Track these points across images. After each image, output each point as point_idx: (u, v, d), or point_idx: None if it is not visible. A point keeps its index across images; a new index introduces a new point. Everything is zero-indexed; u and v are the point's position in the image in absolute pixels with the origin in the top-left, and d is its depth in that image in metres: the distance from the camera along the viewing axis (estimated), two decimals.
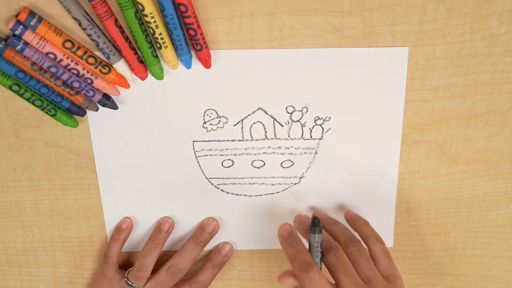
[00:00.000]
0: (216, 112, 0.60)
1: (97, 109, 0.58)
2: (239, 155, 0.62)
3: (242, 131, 0.61)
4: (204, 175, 0.63)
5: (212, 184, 0.64)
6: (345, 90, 0.59)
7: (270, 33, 0.56)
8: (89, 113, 0.60)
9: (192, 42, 0.55)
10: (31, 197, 0.64)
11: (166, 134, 0.61)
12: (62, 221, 0.66)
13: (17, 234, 0.66)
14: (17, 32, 0.52)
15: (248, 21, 0.55)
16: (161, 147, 0.62)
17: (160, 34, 0.54)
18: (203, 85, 0.59)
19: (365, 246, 0.58)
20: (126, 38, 0.55)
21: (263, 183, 0.64)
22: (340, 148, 0.62)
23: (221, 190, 0.64)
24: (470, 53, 0.57)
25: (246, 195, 0.65)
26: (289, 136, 0.61)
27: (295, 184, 0.64)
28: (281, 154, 0.62)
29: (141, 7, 0.52)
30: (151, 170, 0.63)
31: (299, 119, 0.60)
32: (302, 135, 0.61)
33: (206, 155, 0.62)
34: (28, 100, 0.56)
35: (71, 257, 0.68)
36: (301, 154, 0.62)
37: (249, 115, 0.60)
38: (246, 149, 0.62)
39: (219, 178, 0.63)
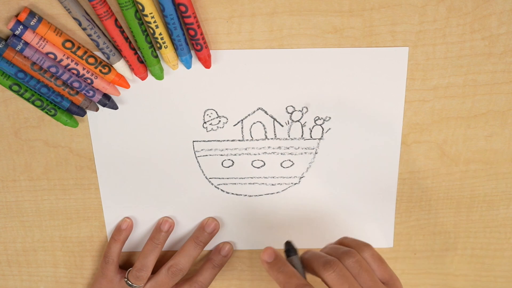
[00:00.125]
0: (216, 112, 0.60)
1: (97, 109, 0.58)
2: (239, 155, 0.62)
3: (242, 131, 0.61)
4: (204, 175, 0.63)
5: (212, 184, 0.64)
6: (345, 90, 0.59)
7: (270, 33, 0.56)
8: (89, 113, 0.60)
9: (192, 42, 0.55)
10: (31, 197, 0.64)
11: (166, 134, 0.61)
12: (62, 221, 0.66)
13: (17, 234, 0.66)
14: (17, 32, 0.52)
15: (248, 21, 0.55)
16: (161, 147, 0.62)
17: (160, 34, 0.54)
18: (203, 85, 0.59)
19: None
20: (126, 38, 0.55)
21: (263, 183, 0.64)
22: (340, 148, 0.62)
23: (221, 190, 0.64)
24: (470, 53, 0.57)
25: (246, 195, 0.65)
26: (289, 136, 0.61)
27: (295, 184, 0.64)
28: (281, 154, 0.62)
29: (141, 7, 0.52)
30: (151, 170, 0.63)
31: (299, 119, 0.60)
32: (302, 135, 0.61)
33: (206, 155, 0.62)
34: (28, 100, 0.56)
35: (71, 257, 0.68)
36: (301, 154, 0.62)
37: (249, 115, 0.60)
38: (246, 149, 0.62)
39: (219, 178, 0.63)
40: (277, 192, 0.64)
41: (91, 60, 0.55)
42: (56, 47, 0.54)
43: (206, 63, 0.57)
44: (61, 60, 0.54)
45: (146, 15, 0.52)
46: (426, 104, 0.60)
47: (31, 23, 0.52)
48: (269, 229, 0.66)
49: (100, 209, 0.65)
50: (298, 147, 0.62)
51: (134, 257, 0.68)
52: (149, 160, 0.62)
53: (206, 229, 0.65)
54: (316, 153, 0.62)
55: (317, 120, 0.61)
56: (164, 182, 0.63)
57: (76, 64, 0.55)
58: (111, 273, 0.65)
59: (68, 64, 0.55)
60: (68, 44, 0.54)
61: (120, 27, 0.54)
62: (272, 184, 0.64)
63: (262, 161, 0.62)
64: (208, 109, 0.60)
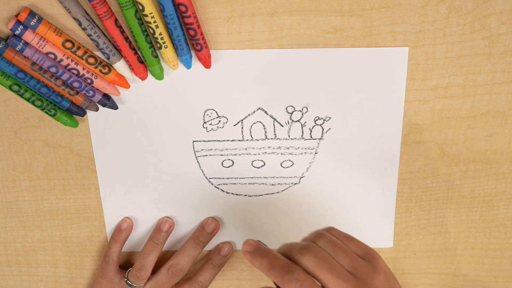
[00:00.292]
0: (216, 112, 0.60)
1: (97, 109, 0.58)
2: (239, 155, 0.62)
3: (242, 131, 0.61)
4: (204, 175, 0.63)
5: (212, 184, 0.64)
6: (345, 90, 0.59)
7: (270, 33, 0.56)
8: (89, 113, 0.60)
9: (192, 42, 0.55)
10: (31, 197, 0.64)
11: (166, 134, 0.61)
12: (62, 221, 0.66)
13: (17, 234, 0.66)
14: (17, 32, 0.53)
15: (248, 21, 0.55)
16: (161, 147, 0.62)
17: (160, 34, 0.54)
18: (203, 85, 0.59)
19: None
20: (126, 38, 0.55)
21: (263, 183, 0.64)
22: (340, 148, 0.62)
23: (221, 190, 0.64)
24: (470, 53, 0.57)
25: (246, 195, 0.65)
26: (289, 136, 0.61)
27: (295, 184, 0.64)
28: (281, 154, 0.62)
29: (141, 7, 0.52)
30: (151, 170, 0.63)
31: (299, 119, 0.60)
32: (302, 135, 0.61)
33: (206, 155, 0.62)
34: (28, 100, 0.56)
35: (71, 257, 0.68)
36: (301, 154, 0.62)
37: (249, 115, 0.60)
38: (246, 149, 0.62)
39: (219, 178, 0.63)
40: (277, 192, 0.64)
41: (91, 60, 0.55)
42: (56, 47, 0.54)
43: (206, 63, 0.57)
44: (61, 60, 0.54)
45: (146, 15, 0.52)
46: (426, 104, 0.60)
47: (31, 23, 0.52)
48: (269, 229, 0.66)
49: (100, 209, 0.65)
50: (298, 147, 0.62)
51: (134, 257, 0.68)
52: (149, 160, 0.62)
53: (206, 229, 0.65)
54: (316, 153, 0.62)
55: (317, 120, 0.61)
56: (164, 182, 0.63)
57: (76, 64, 0.55)
58: (111, 273, 0.65)
59: (68, 64, 0.55)
60: (68, 44, 0.54)
61: (120, 27, 0.54)
62: (272, 184, 0.64)
63: (262, 161, 0.62)
64: (208, 109, 0.60)
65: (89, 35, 0.54)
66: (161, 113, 0.60)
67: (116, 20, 0.53)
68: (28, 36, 0.53)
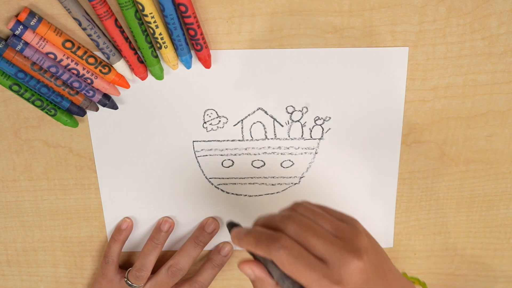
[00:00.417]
0: (216, 112, 0.60)
1: (97, 109, 0.58)
2: (239, 155, 0.62)
3: (242, 131, 0.61)
4: (204, 175, 0.63)
5: (212, 184, 0.64)
6: (345, 90, 0.59)
7: (270, 33, 0.56)
8: (89, 113, 0.60)
9: (192, 42, 0.55)
10: (31, 197, 0.64)
11: (166, 134, 0.61)
12: (62, 221, 0.66)
13: (17, 234, 0.66)
14: (17, 32, 0.53)
15: (248, 21, 0.55)
16: (161, 147, 0.62)
17: (160, 34, 0.54)
18: (203, 85, 0.59)
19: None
20: (126, 38, 0.55)
21: (263, 183, 0.64)
22: (340, 148, 0.62)
23: (221, 190, 0.64)
24: (470, 53, 0.57)
25: (246, 195, 0.65)
26: (289, 136, 0.61)
27: (295, 184, 0.64)
28: (281, 154, 0.62)
29: (141, 7, 0.52)
30: (151, 170, 0.63)
31: (299, 119, 0.60)
32: (302, 135, 0.61)
33: (206, 155, 0.62)
34: (28, 100, 0.56)
35: (71, 257, 0.68)
36: (301, 154, 0.62)
37: (249, 115, 0.60)
38: (246, 149, 0.62)
39: (219, 178, 0.63)
40: (277, 192, 0.64)
41: (91, 60, 0.55)
42: (56, 47, 0.54)
43: (206, 63, 0.57)
44: (61, 60, 0.54)
45: (146, 15, 0.52)
46: (426, 104, 0.60)
47: (31, 23, 0.52)
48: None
49: (100, 209, 0.65)
50: (298, 147, 0.62)
51: (134, 257, 0.68)
52: (149, 160, 0.62)
53: (206, 229, 0.65)
54: (316, 153, 0.62)
55: (317, 120, 0.61)
56: (164, 182, 0.63)
57: (76, 64, 0.55)
58: (111, 273, 0.65)
59: (68, 64, 0.55)
60: (68, 44, 0.54)
61: (120, 27, 0.54)
62: (272, 184, 0.64)
63: (262, 161, 0.62)
64: (208, 109, 0.60)
65: (89, 35, 0.54)
66: (161, 113, 0.60)
67: (116, 20, 0.53)
68: (28, 36, 0.53)
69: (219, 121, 0.60)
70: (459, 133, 0.62)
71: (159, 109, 0.60)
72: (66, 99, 0.57)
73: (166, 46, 0.54)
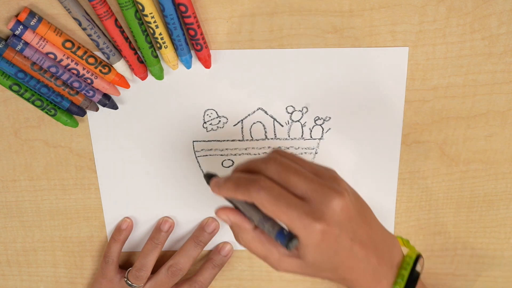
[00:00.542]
0: (216, 112, 0.60)
1: (97, 109, 0.58)
2: (239, 155, 0.62)
3: (242, 131, 0.61)
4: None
5: None
6: (345, 90, 0.59)
7: (270, 33, 0.56)
8: (89, 113, 0.60)
9: (192, 42, 0.55)
10: (31, 197, 0.64)
11: (166, 134, 0.61)
12: (62, 221, 0.66)
13: (17, 234, 0.66)
14: (17, 32, 0.52)
15: (248, 21, 0.55)
16: (161, 147, 0.62)
17: (160, 34, 0.54)
18: (203, 85, 0.59)
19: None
20: (126, 38, 0.55)
21: None
22: (340, 148, 0.62)
23: None
24: (470, 53, 0.57)
25: None
26: (289, 136, 0.61)
27: None
28: None
29: (141, 7, 0.52)
30: (151, 170, 0.63)
31: (299, 119, 0.60)
32: (302, 135, 0.61)
33: (206, 155, 0.62)
34: (28, 100, 0.56)
35: (71, 257, 0.68)
36: (301, 154, 0.62)
37: (249, 115, 0.60)
38: (246, 149, 0.62)
39: None
40: None
41: (91, 60, 0.55)
42: (56, 47, 0.54)
43: (206, 63, 0.57)
44: (61, 60, 0.54)
45: (146, 15, 0.52)
46: (426, 104, 0.60)
47: (31, 23, 0.52)
48: None
49: (100, 209, 0.65)
50: (298, 147, 0.62)
51: (134, 257, 0.68)
52: (149, 160, 0.62)
53: (206, 229, 0.65)
54: (316, 153, 0.62)
55: (317, 120, 0.61)
56: (164, 182, 0.63)
57: (76, 64, 0.55)
58: (111, 273, 0.65)
59: (68, 64, 0.55)
60: (68, 44, 0.54)
61: (120, 27, 0.54)
62: None
63: None
64: (208, 109, 0.60)
65: (89, 35, 0.54)
66: (161, 113, 0.60)
67: (116, 20, 0.53)
68: (28, 36, 0.53)
69: (219, 121, 0.60)
70: (459, 133, 0.62)
71: (159, 109, 0.60)
72: (66, 99, 0.57)
73: (166, 46, 0.54)
